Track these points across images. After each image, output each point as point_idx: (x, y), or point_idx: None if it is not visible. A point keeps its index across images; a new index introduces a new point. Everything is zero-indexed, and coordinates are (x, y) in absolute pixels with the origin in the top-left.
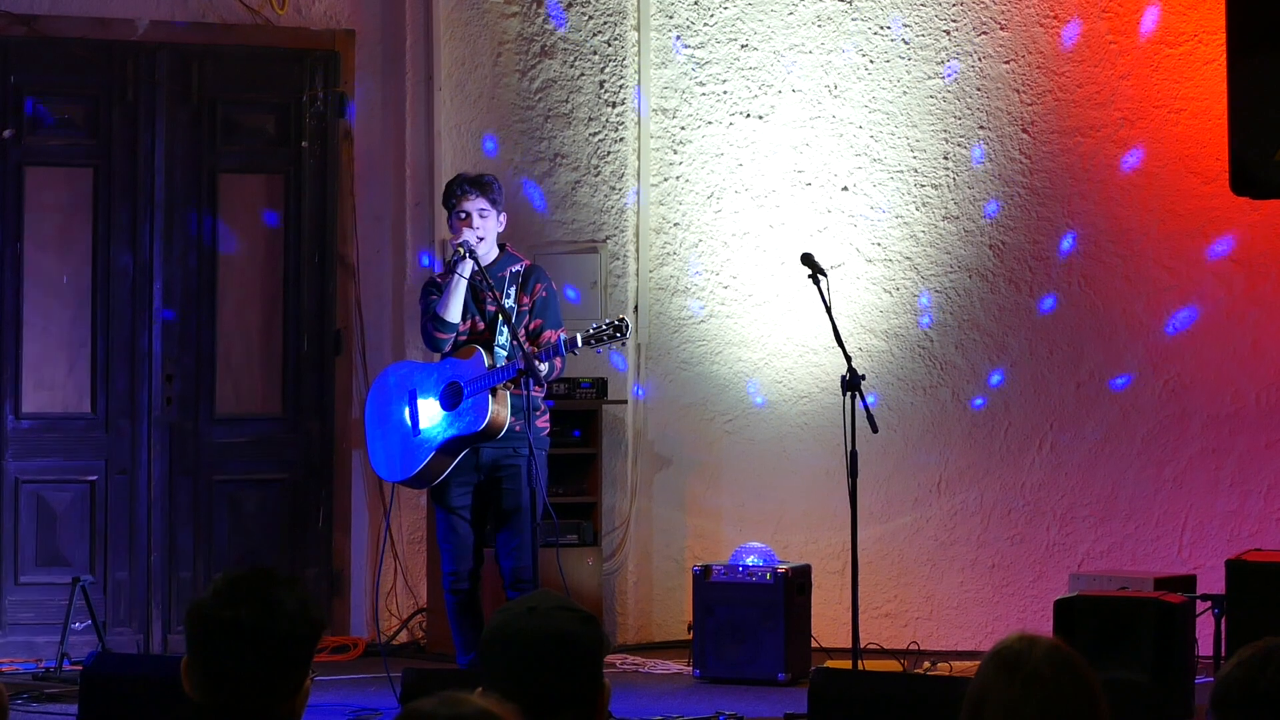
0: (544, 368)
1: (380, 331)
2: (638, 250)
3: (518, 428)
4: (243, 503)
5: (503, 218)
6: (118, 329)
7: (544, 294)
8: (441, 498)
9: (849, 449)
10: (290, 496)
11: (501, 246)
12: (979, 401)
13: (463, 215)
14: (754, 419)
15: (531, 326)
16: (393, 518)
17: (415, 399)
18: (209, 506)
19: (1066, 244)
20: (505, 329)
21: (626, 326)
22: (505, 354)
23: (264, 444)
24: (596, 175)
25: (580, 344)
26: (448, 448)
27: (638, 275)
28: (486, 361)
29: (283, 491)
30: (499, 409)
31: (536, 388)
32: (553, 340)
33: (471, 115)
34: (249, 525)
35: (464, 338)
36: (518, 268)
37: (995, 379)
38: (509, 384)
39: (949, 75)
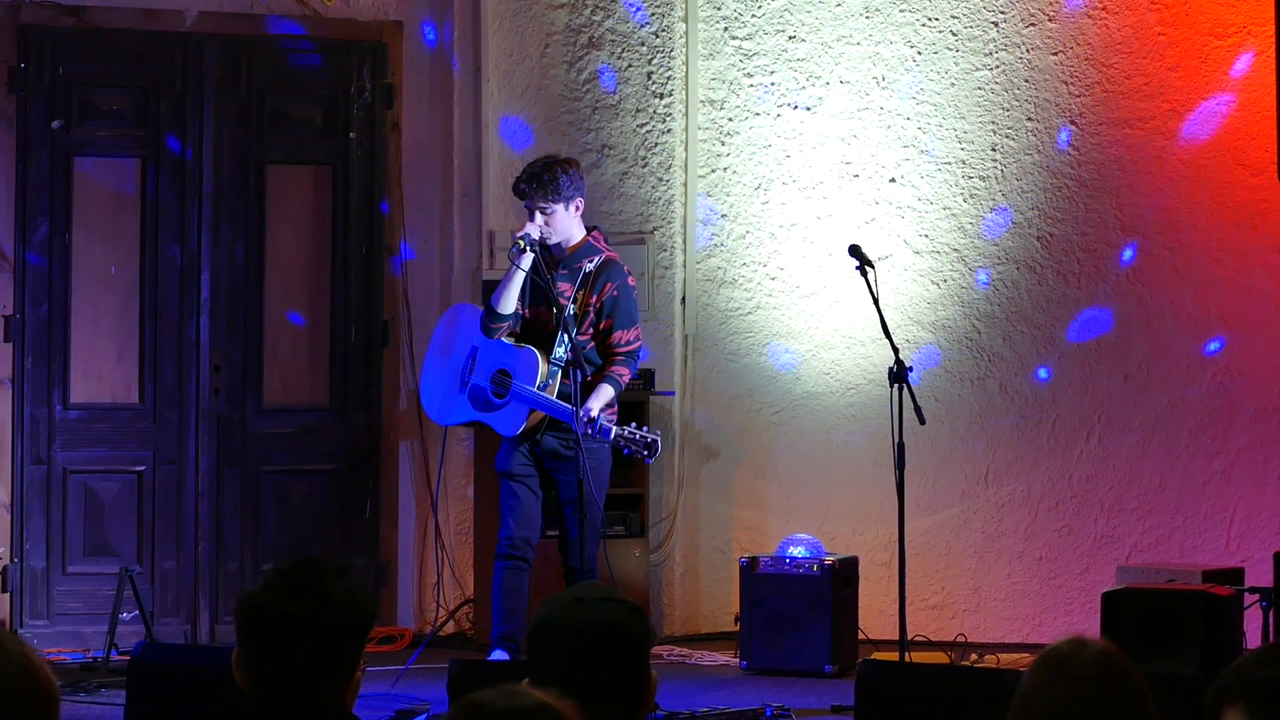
0: (595, 407)
1: (428, 322)
2: (685, 242)
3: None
4: (290, 494)
5: (577, 205)
6: (165, 319)
7: (615, 293)
8: (505, 465)
9: (896, 440)
10: (337, 487)
11: (590, 231)
12: (1044, 373)
13: (529, 209)
14: (801, 410)
15: (601, 326)
16: (440, 509)
17: (474, 356)
18: (256, 497)
19: (1114, 236)
20: (565, 339)
21: (657, 448)
22: (559, 369)
23: (311, 435)
24: (644, 167)
25: (612, 436)
26: (476, 423)
27: (685, 267)
28: (540, 372)
29: (330, 482)
30: (531, 425)
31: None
32: (623, 377)
33: (519, 106)
34: (296, 516)
35: (528, 319)
36: (591, 265)
37: (1043, 373)
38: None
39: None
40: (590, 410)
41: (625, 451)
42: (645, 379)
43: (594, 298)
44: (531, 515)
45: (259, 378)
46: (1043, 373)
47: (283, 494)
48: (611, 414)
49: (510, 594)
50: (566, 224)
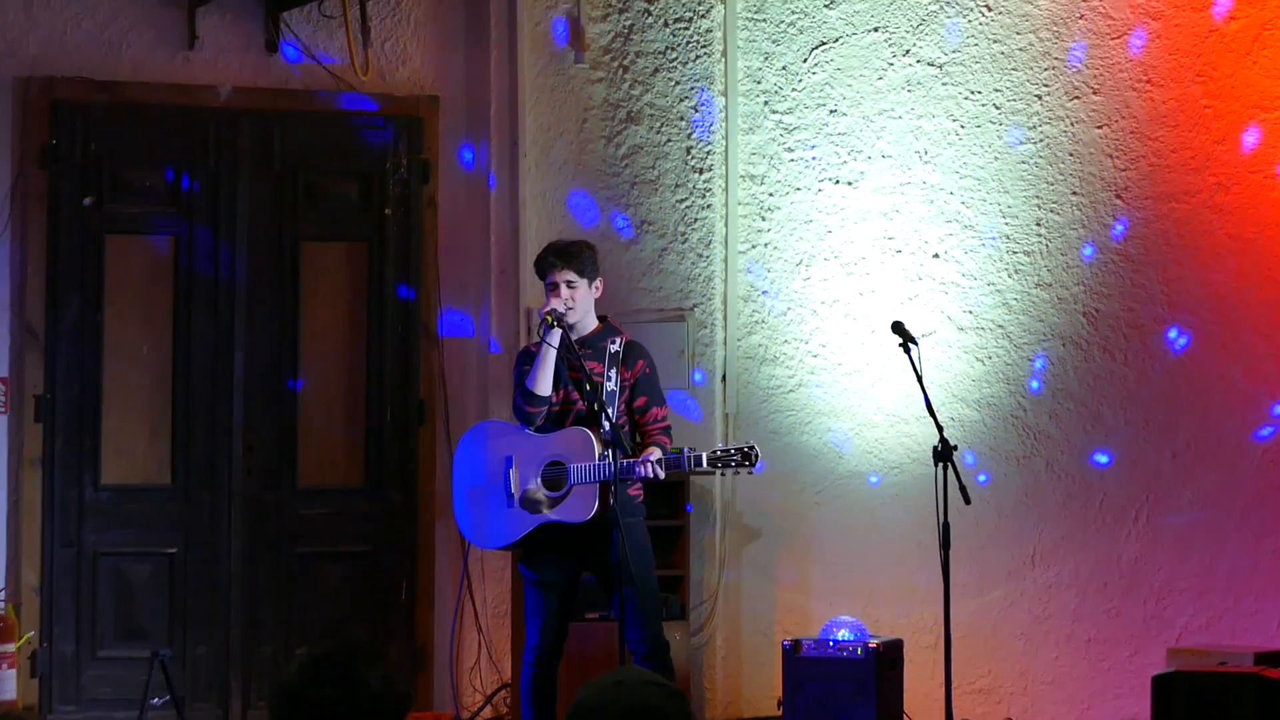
0: (648, 470)
1: (464, 401)
2: (725, 318)
3: (611, 501)
4: (325, 575)
5: (598, 285)
6: (199, 400)
7: (647, 370)
8: (534, 567)
9: (941, 520)
10: (373, 569)
11: (603, 319)
12: (1104, 458)
13: (551, 285)
14: (844, 489)
15: (637, 404)
16: (476, 590)
17: (513, 465)
18: (290, 579)
19: (1161, 311)
20: (605, 417)
21: (756, 456)
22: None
23: (346, 515)
24: (683, 242)
25: (705, 464)
26: (547, 527)
27: (725, 344)
28: (597, 448)
29: (365, 564)
30: (605, 504)
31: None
32: (667, 447)
33: (557, 182)
34: (331, 598)
35: (556, 408)
36: (616, 346)
37: (1099, 457)
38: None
39: (1017, 143)
40: (651, 455)
41: (721, 472)
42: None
43: (628, 374)
44: (561, 626)
45: (293, 457)
46: (1102, 458)
47: (317, 576)
48: (639, 490)
49: (539, 698)
50: (587, 303)
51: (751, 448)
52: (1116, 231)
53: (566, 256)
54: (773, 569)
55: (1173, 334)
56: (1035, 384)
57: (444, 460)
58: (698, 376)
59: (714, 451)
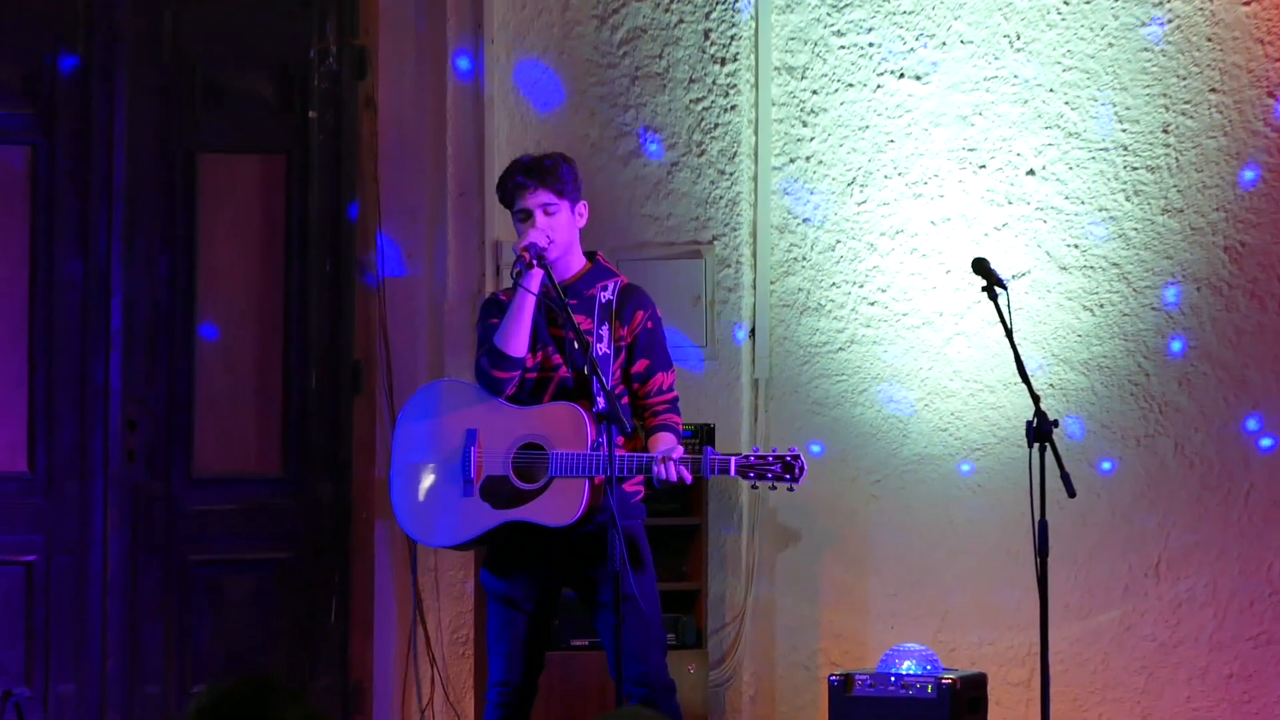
0: (669, 471)
1: (413, 364)
2: (755, 255)
3: (604, 499)
4: (230, 591)
5: (582, 211)
6: (63, 360)
7: (649, 324)
8: (500, 577)
9: (1037, 519)
10: (293, 582)
11: (590, 256)
12: (1254, 423)
13: (522, 213)
14: (910, 479)
15: (636, 369)
16: (429, 609)
17: (476, 441)
18: (184, 596)
19: None
20: (598, 386)
21: (800, 469)
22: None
23: (258, 513)
24: (700, 155)
25: (735, 471)
26: (515, 527)
27: (755, 288)
28: (590, 431)
29: (283, 575)
30: (594, 504)
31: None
32: (680, 431)
33: (534, 75)
34: (239, 622)
35: (532, 375)
36: (609, 293)
37: (1252, 423)
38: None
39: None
40: (673, 451)
41: (754, 484)
42: (702, 435)
43: (624, 330)
44: (534, 656)
45: (188, 437)
46: (1253, 438)
47: (220, 592)
48: (637, 485)
49: None
50: (570, 235)
51: (795, 457)
52: (1268, 140)
53: (540, 174)
54: (816, 582)
55: None
56: (1161, 340)
57: (387, 439)
58: (718, 331)
59: (744, 458)
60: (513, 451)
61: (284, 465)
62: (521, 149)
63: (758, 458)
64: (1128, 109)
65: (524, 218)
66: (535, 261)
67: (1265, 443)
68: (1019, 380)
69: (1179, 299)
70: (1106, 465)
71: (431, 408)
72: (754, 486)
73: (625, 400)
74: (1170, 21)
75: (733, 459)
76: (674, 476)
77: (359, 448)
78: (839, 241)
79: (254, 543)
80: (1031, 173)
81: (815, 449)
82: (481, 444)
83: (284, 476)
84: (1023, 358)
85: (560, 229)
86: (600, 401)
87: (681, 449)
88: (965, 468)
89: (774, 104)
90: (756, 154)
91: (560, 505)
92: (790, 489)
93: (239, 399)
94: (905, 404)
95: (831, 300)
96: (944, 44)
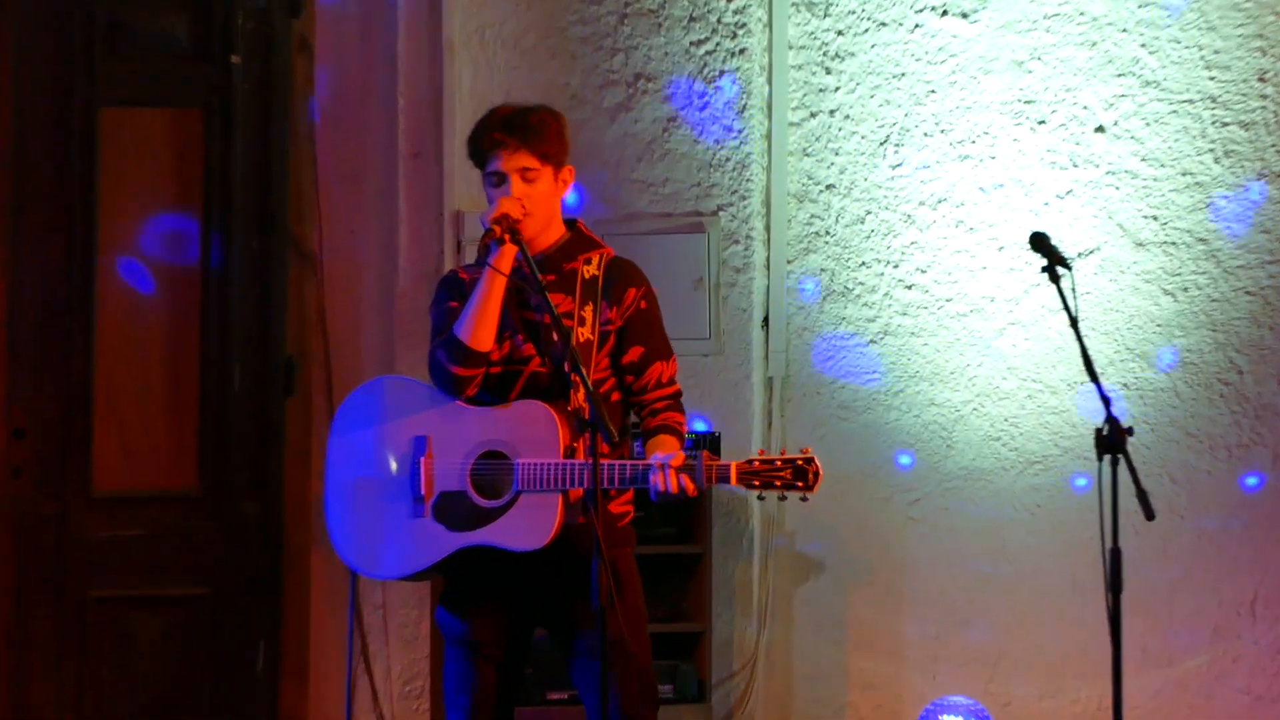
0: (668, 480)
1: (356, 359)
2: (769, 228)
3: (584, 518)
4: (137, 632)
5: (566, 177)
6: None
7: (643, 304)
8: (459, 614)
9: (1108, 547)
10: (213, 622)
11: (570, 223)
12: None
13: (495, 176)
14: (955, 498)
15: (628, 358)
16: (375, 654)
17: (425, 450)
18: (82, 639)
19: None
20: (576, 382)
21: (816, 472)
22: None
23: (171, 538)
24: (703, 109)
25: (735, 480)
26: (475, 553)
27: (769, 268)
28: (560, 435)
29: (201, 614)
30: (571, 523)
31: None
32: (684, 434)
33: (503, 13)
34: (149, 671)
35: (497, 369)
36: (592, 267)
37: None
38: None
39: None
40: (670, 459)
41: (761, 495)
42: (706, 446)
43: (612, 311)
44: (500, 709)
45: (86, 447)
46: None
47: (125, 633)
48: (626, 505)
49: None
50: (550, 204)
51: (809, 460)
52: None
53: (522, 131)
54: (842, 622)
55: None
56: (1257, 331)
57: (324, 449)
58: (725, 320)
59: (747, 463)
60: (470, 461)
61: (201, 481)
62: (488, 102)
63: (763, 462)
64: (1216, 53)
65: (497, 181)
66: (508, 236)
67: None
68: (1086, 379)
69: (1276, 281)
70: (1188, 481)
71: (373, 412)
72: (760, 497)
73: (616, 398)
74: None
75: (732, 464)
76: (675, 488)
77: (291, 459)
78: (869, 212)
79: (166, 575)
80: (1101, 129)
81: (840, 462)
82: (433, 453)
83: (201, 495)
84: (1090, 352)
85: (540, 200)
86: (577, 399)
87: (682, 454)
88: (1021, 484)
89: (791, 47)
90: (770, 107)
91: (528, 526)
92: (803, 498)
93: (147, 402)
94: (949, 408)
95: (861, 283)
96: None
